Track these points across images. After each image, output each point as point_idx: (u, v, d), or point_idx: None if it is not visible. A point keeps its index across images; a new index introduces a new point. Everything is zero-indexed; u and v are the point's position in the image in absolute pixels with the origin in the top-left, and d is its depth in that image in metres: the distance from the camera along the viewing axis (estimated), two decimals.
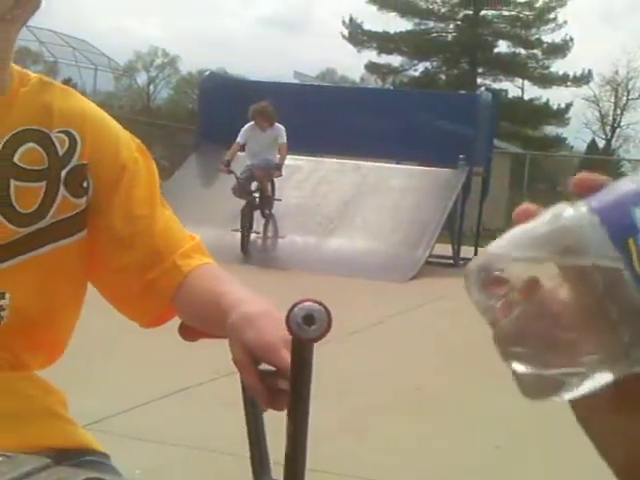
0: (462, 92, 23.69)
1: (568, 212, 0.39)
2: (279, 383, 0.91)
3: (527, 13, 33.51)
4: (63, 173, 1.15)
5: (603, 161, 28.84)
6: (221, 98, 12.35)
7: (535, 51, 34.20)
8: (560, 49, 33.62)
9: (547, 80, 33.91)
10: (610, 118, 38.69)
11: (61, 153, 1.15)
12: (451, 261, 11.76)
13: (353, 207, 11.30)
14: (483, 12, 33.71)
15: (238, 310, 1.01)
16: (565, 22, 33.40)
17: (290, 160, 10.77)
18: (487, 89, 22.43)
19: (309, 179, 11.94)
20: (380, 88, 30.20)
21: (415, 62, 34.92)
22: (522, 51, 34.41)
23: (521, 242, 0.39)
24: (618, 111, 38.52)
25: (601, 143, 38.71)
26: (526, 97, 34.97)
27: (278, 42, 64.88)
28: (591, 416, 0.41)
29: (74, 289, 1.21)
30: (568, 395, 0.39)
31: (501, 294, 0.40)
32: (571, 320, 0.38)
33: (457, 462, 3.52)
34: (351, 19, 33.97)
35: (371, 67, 35.11)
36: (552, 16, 33.40)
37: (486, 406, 4.38)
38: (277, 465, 1.06)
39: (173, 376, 4.41)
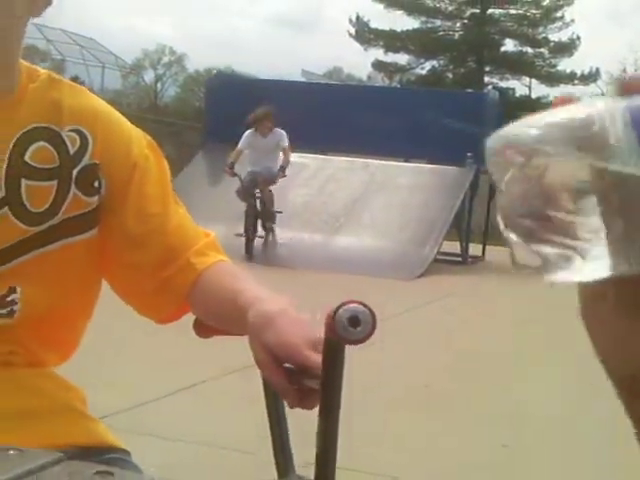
0: (469, 90, 23.68)
1: (602, 104, 0.38)
2: (306, 382, 0.91)
3: (534, 12, 33.35)
4: (74, 172, 1.14)
5: None
6: (228, 96, 12.35)
7: (542, 49, 34.03)
8: (567, 47, 33.46)
9: (554, 78, 33.75)
10: None
11: (72, 152, 1.14)
12: (459, 259, 11.77)
13: (361, 205, 11.29)
14: (490, 10, 33.56)
15: (256, 308, 1.00)
16: (572, 20, 33.26)
17: (297, 158, 10.76)
18: (494, 87, 22.46)
19: (316, 177, 11.94)
20: (387, 86, 30.16)
21: (422, 60, 34.78)
22: (529, 49, 34.25)
23: (550, 129, 0.39)
24: None
25: None
26: (533, 95, 34.79)
27: (286, 41, 64.88)
28: (598, 325, 0.42)
29: (85, 286, 1.21)
30: (555, 277, 0.39)
31: (518, 162, 0.40)
32: (573, 206, 0.38)
33: (465, 459, 3.52)
34: (358, 17, 33.85)
35: (378, 65, 34.98)
36: (559, 14, 33.25)
37: (494, 404, 4.39)
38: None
39: (183, 373, 4.42)
